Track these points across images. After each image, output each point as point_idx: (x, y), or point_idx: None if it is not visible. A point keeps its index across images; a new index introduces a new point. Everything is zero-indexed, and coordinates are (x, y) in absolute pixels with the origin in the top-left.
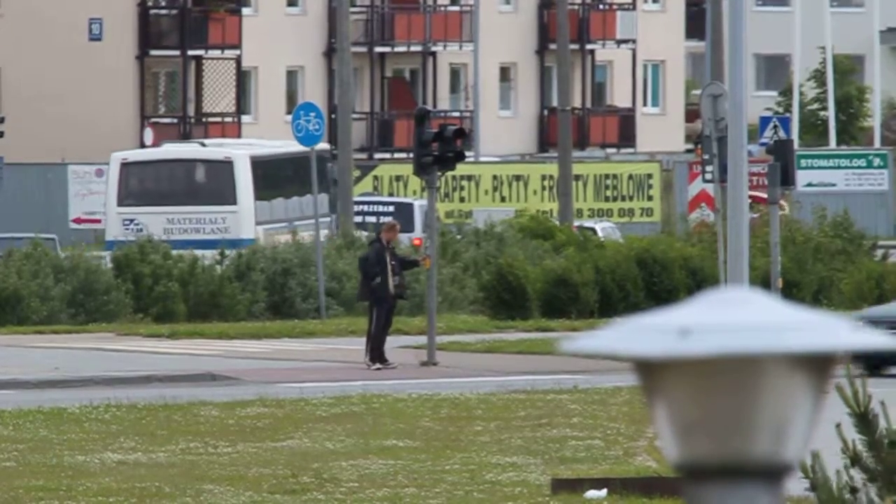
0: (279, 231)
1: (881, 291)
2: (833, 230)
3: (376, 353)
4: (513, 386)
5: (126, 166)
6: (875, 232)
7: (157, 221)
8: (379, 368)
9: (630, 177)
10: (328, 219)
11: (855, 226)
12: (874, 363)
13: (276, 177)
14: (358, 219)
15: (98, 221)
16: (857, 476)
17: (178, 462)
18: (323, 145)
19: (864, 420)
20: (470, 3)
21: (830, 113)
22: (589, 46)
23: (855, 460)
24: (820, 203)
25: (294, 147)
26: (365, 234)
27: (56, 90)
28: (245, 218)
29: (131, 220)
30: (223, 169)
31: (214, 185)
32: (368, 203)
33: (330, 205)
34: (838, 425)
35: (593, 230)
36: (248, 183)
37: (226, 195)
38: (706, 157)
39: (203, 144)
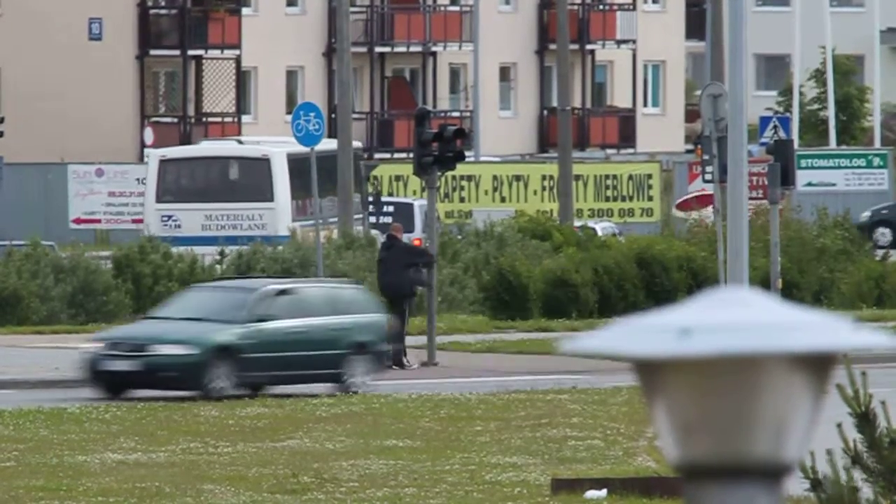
0: (312, 228)
1: (881, 291)
2: (833, 230)
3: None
4: (513, 386)
5: (164, 163)
6: None
7: (195, 218)
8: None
9: (630, 177)
10: (360, 216)
11: (854, 226)
12: None
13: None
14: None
15: (98, 221)
16: (858, 476)
17: (179, 462)
18: (356, 143)
19: (865, 419)
20: (470, 3)
21: (830, 113)
22: (589, 46)
23: (856, 460)
24: (820, 203)
25: (330, 145)
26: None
27: (56, 90)
28: (281, 215)
29: (169, 217)
30: (260, 166)
31: (252, 182)
32: (390, 204)
33: (363, 203)
34: (839, 425)
35: (594, 230)
36: (285, 180)
37: (263, 192)
38: (706, 157)
39: (240, 142)
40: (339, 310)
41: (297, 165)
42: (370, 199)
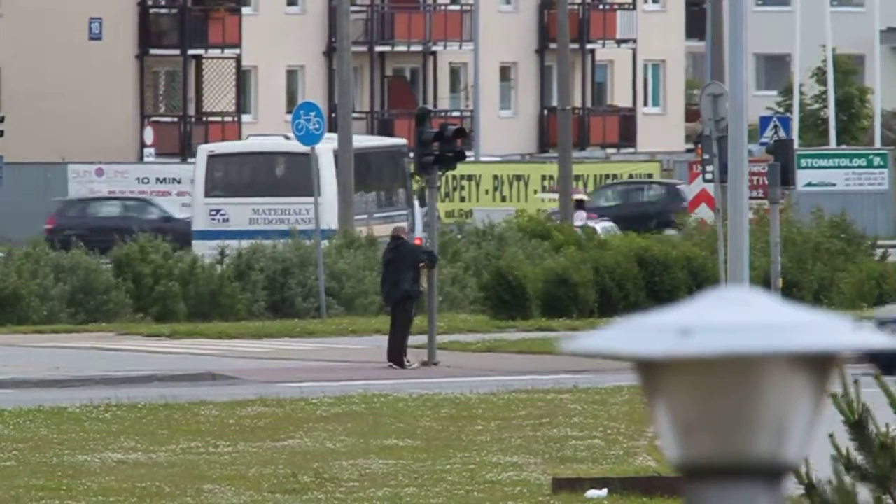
0: (360, 223)
1: (882, 291)
2: (831, 230)
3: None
4: (513, 385)
5: (212, 158)
6: (875, 231)
7: (243, 212)
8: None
9: (630, 176)
10: (405, 212)
11: (853, 226)
12: (888, 363)
13: (357, 170)
14: None
15: None
16: (852, 481)
17: (179, 461)
18: (400, 140)
19: (859, 427)
20: (470, 2)
21: (831, 113)
22: (589, 46)
23: (849, 467)
24: (819, 203)
25: (375, 142)
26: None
27: (56, 89)
28: (328, 209)
29: (217, 211)
30: (307, 161)
31: (298, 176)
32: None
33: (406, 199)
34: (831, 435)
35: (594, 229)
36: (331, 175)
37: (309, 187)
38: (706, 156)
39: (287, 137)
40: None
41: None
42: (415, 195)
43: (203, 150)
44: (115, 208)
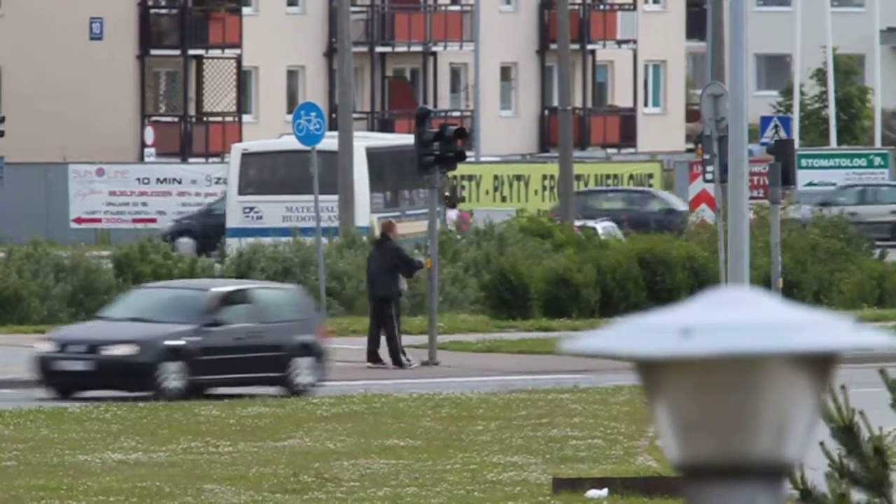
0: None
1: (882, 291)
2: (830, 230)
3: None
4: (514, 385)
5: (246, 156)
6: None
7: (276, 209)
8: (408, 365)
9: (631, 177)
10: (438, 209)
11: (852, 226)
12: None
13: (389, 168)
14: None
15: (99, 221)
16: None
17: (179, 461)
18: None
19: (849, 432)
20: (470, 2)
21: (831, 112)
22: (590, 46)
23: (843, 473)
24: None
25: (406, 140)
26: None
27: (57, 89)
28: (360, 207)
29: (251, 209)
30: (337, 160)
31: (331, 174)
32: None
33: (439, 198)
34: (822, 443)
35: (594, 230)
36: (364, 173)
37: (343, 184)
38: (707, 156)
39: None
40: (281, 312)
41: (376, 159)
42: (447, 192)
43: (237, 149)
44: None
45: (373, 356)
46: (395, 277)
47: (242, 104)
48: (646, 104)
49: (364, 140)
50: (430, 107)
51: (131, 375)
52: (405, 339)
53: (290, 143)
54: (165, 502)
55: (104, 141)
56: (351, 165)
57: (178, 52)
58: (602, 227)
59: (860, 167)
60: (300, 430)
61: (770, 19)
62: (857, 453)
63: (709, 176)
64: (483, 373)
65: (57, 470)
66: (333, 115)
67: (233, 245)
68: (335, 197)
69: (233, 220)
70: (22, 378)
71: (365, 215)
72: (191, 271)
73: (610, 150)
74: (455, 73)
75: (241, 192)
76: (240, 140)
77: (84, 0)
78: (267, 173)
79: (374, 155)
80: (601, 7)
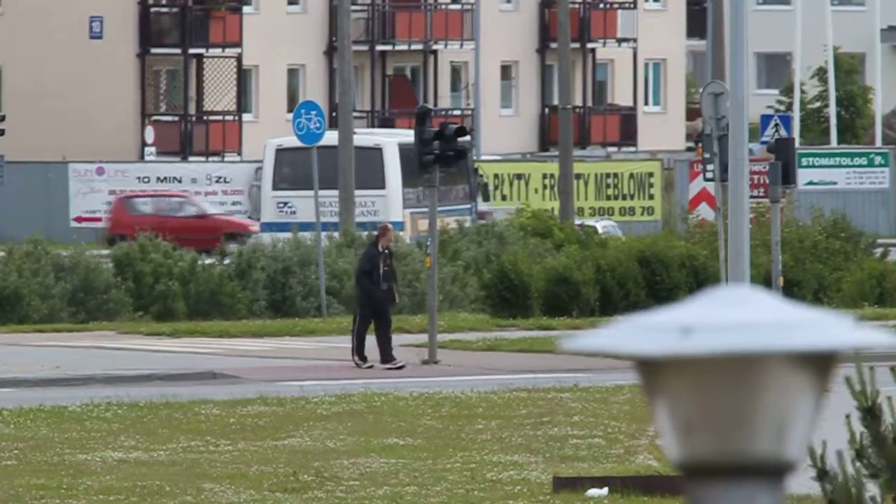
0: (424, 215)
1: (882, 290)
2: (830, 229)
3: (360, 350)
4: (514, 384)
5: (280, 152)
6: (876, 230)
7: (310, 204)
8: (359, 366)
9: (631, 175)
10: (468, 206)
11: (853, 225)
12: None
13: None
14: None
15: (99, 220)
16: (859, 468)
17: (179, 460)
18: (465, 137)
19: (871, 414)
20: (471, 1)
21: (832, 111)
22: (590, 45)
23: (860, 454)
24: (819, 202)
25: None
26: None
27: (57, 88)
28: (393, 202)
29: (285, 203)
30: (373, 155)
31: (365, 170)
32: None
33: (470, 194)
34: (848, 416)
35: (594, 229)
36: (397, 169)
37: (375, 180)
38: (707, 155)
39: (354, 132)
40: None
41: (409, 155)
42: (479, 190)
43: (271, 144)
44: None
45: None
46: (367, 280)
47: (243, 103)
48: (646, 103)
49: (396, 137)
50: (430, 105)
51: None
52: (405, 338)
53: (325, 138)
54: (166, 501)
55: (104, 140)
56: (351, 164)
57: (178, 50)
58: (602, 225)
59: (860, 166)
60: (300, 428)
61: (770, 18)
62: (876, 435)
63: (709, 175)
64: (483, 371)
65: (57, 469)
66: (334, 114)
67: (265, 239)
68: (374, 192)
69: (267, 215)
70: (22, 377)
71: (398, 211)
72: (191, 270)
73: (610, 149)
74: (455, 72)
75: (274, 188)
76: (240, 139)
77: None
78: (301, 168)
79: (406, 151)
80: (601, 6)
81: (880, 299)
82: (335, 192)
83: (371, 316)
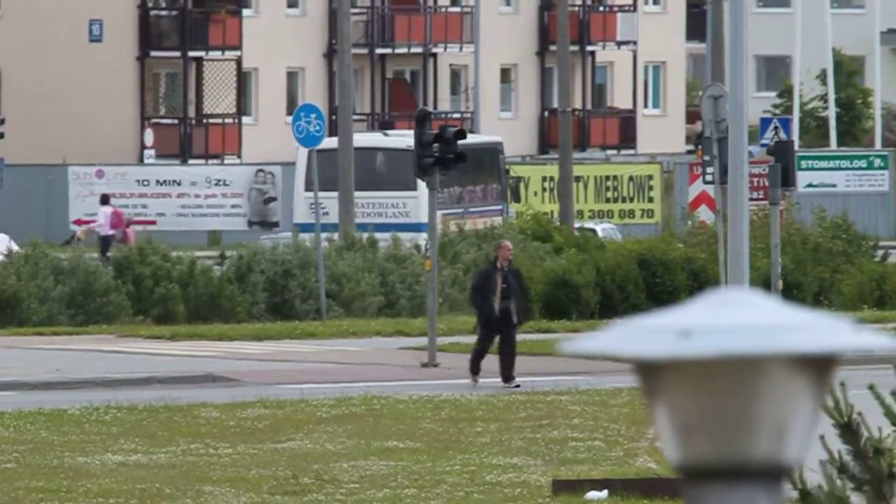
0: (455, 217)
1: (882, 293)
2: (832, 231)
3: (472, 365)
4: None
5: (313, 153)
6: (876, 233)
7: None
8: (474, 382)
9: (630, 178)
10: (499, 207)
11: (854, 227)
12: None
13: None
14: None
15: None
16: (843, 485)
17: (179, 463)
18: (495, 138)
19: (849, 430)
20: (470, 4)
21: (831, 114)
22: (589, 48)
23: (842, 470)
24: (820, 204)
25: (475, 139)
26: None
27: (56, 91)
28: (424, 203)
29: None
30: (404, 157)
31: (396, 171)
32: None
33: (501, 195)
34: (822, 437)
35: (594, 231)
36: None
37: (406, 182)
38: (707, 158)
39: (386, 134)
40: None
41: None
42: (509, 191)
43: None
44: None
45: None
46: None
47: (242, 106)
48: (646, 106)
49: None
50: (430, 108)
51: None
52: (405, 341)
53: (357, 140)
54: None
55: (104, 143)
56: (350, 167)
57: (177, 53)
58: (602, 228)
59: (860, 168)
60: (300, 431)
61: (770, 20)
62: (857, 450)
63: (709, 177)
64: (483, 374)
65: (57, 472)
66: (333, 117)
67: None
68: (405, 193)
69: (299, 216)
70: (21, 380)
71: (425, 212)
72: (190, 273)
73: (610, 152)
74: (455, 75)
75: (307, 189)
76: (239, 142)
77: (84, 1)
78: (333, 170)
79: None
80: (601, 8)
81: (880, 302)
82: (368, 194)
83: (486, 333)
